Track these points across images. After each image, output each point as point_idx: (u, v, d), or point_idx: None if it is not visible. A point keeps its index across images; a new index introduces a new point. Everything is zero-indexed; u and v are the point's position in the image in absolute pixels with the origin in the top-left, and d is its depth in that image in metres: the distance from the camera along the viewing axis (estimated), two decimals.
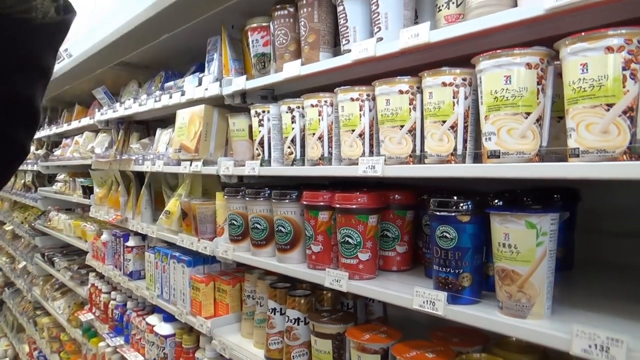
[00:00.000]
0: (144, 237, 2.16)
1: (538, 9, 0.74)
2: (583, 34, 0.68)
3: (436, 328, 1.07)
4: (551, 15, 0.73)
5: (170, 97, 1.75)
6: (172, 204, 1.79)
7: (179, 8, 1.35)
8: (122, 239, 2.21)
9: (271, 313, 1.32)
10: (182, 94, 1.68)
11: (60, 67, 2.32)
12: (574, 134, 0.71)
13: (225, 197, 1.44)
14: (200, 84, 1.62)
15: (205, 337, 1.59)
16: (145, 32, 1.58)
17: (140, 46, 1.78)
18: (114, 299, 2.34)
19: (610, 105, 0.67)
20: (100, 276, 2.61)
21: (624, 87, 0.66)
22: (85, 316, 2.58)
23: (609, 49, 0.66)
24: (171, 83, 1.82)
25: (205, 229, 1.60)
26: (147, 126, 2.55)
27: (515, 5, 0.81)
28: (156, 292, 1.90)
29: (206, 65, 1.64)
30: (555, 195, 1.06)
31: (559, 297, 0.85)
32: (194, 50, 1.93)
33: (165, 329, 1.83)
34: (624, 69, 0.66)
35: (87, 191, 2.76)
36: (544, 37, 0.87)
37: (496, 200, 0.89)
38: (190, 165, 1.61)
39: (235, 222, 1.42)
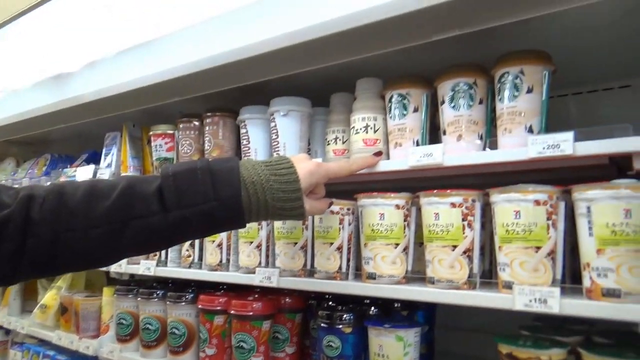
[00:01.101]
0: (7, 330, 1.97)
1: (404, 165, 0.95)
2: (435, 190, 0.90)
3: None
4: (413, 170, 0.95)
5: None
6: (50, 297, 1.70)
7: (80, 108, 1.39)
8: None
9: None
10: None
11: None
12: (430, 265, 0.91)
13: (116, 295, 1.43)
14: (94, 176, 1.62)
15: None
16: (41, 122, 1.57)
17: (31, 131, 1.74)
18: None
19: (455, 247, 0.88)
20: None
21: (463, 233, 0.88)
22: None
23: (453, 205, 0.88)
24: (59, 171, 1.79)
25: (87, 326, 1.55)
26: None
27: (388, 157, 1.03)
28: None
29: (103, 157, 1.65)
30: None
31: None
32: (87, 135, 1.93)
33: None
34: (463, 219, 0.88)
35: None
36: (414, 177, 1.10)
37: (373, 311, 1.05)
38: None
39: (124, 322, 1.41)
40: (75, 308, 1.57)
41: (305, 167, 0.82)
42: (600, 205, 0.75)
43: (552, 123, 1.11)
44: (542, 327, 0.96)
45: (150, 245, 0.77)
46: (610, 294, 0.73)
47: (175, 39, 1.10)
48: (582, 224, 0.78)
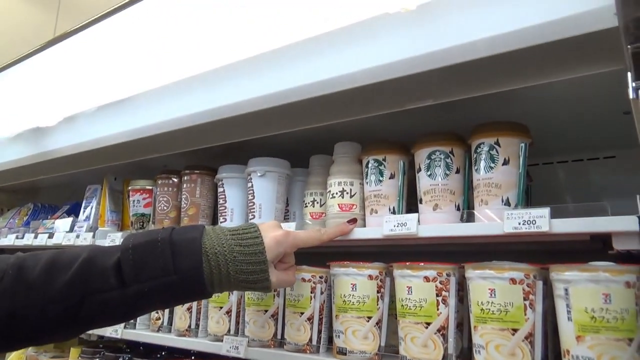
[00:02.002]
0: None
1: (378, 233, 0.91)
2: (407, 263, 0.86)
3: None
4: (386, 239, 0.91)
5: (36, 237, 1.67)
6: (16, 357, 1.62)
7: (61, 161, 1.38)
8: None
9: None
10: (50, 237, 1.61)
11: None
12: (403, 343, 0.85)
13: (80, 358, 1.35)
14: (71, 229, 1.58)
15: None
16: (19, 173, 1.55)
17: (9, 182, 1.72)
18: None
19: (428, 324, 0.83)
20: None
21: (437, 309, 0.83)
22: None
23: (426, 279, 0.84)
24: (39, 222, 1.75)
25: None
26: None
27: (364, 223, 0.99)
28: None
29: (82, 210, 1.62)
30: None
31: None
32: (76, 183, 1.90)
33: None
34: (437, 295, 0.83)
35: None
36: (391, 245, 1.06)
37: None
38: None
39: None
40: None
41: (273, 236, 0.79)
42: (578, 288, 0.70)
43: (538, 189, 1.10)
44: None
45: (109, 320, 0.75)
46: None
47: (155, 96, 1.10)
48: (560, 307, 0.73)
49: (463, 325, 0.92)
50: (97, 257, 0.70)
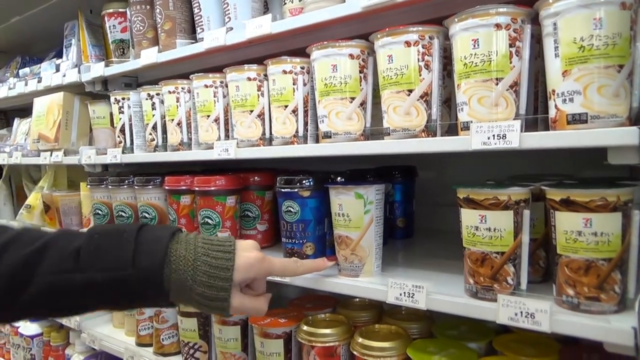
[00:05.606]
0: None
1: (355, 7, 0.84)
2: (387, 29, 0.80)
3: (294, 298, 1.16)
4: (366, 13, 0.84)
5: (26, 85, 1.64)
6: (34, 197, 1.70)
7: None
8: None
9: None
10: (39, 81, 1.59)
11: None
12: (385, 115, 0.83)
13: (89, 186, 1.40)
14: (57, 70, 1.55)
15: (75, 332, 1.55)
16: None
17: None
18: None
19: (411, 91, 0.79)
20: None
21: (420, 75, 0.79)
22: None
23: (407, 43, 0.78)
24: (27, 69, 1.71)
25: (70, 221, 1.55)
26: (5, 116, 2.36)
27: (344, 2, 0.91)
28: None
29: (64, 50, 1.57)
30: (395, 172, 1.21)
31: (395, 260, 0.99)
32: (55, 34, 1.83)
33: (30, 329, 1.73)
34: (419, 60, 0.78)
35: None
36: (373, 30, 0.99)
37: (335, 177, 0.99)
38: (51, 155, 1.54)
39: (100, 212, 1.39)
40: (56, 205, 1.57)
41: (246, 257, 0.70)
42: (567, 17, 0.64)
43: None
44: (514, 179, 0.89)
45: (52, 308, 0.67)
46: (576, 120, 0.65)
47: None
48: (548, 46, 0.67)
49: (450, 102, 0.89)
50: (61, 239, 0.65)
